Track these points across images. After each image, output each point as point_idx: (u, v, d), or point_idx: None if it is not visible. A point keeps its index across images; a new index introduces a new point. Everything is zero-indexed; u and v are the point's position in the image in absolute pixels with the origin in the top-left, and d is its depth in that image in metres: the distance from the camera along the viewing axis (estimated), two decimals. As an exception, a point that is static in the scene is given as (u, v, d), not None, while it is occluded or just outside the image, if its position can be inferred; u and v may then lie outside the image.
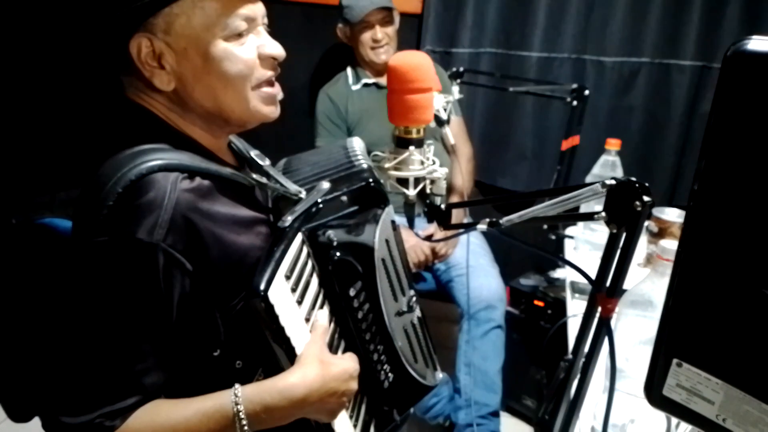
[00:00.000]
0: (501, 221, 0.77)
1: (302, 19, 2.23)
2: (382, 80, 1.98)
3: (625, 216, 0.57)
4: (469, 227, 0.85)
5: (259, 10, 0.77)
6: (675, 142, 2.06)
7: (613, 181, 0.58)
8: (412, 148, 0.91)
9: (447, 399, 1.83)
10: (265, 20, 0.80)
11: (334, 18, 1.99)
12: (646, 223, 1.45)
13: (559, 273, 1.93)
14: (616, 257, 0.60)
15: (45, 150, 2.34)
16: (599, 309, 0.61)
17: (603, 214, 0.59)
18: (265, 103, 0.80)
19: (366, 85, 1.98)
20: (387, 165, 0.91)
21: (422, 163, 0.92)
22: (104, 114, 0.81)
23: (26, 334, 0.79)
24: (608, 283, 0.60)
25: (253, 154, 0.91)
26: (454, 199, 1.98)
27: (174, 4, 0.70)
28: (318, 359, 0.73)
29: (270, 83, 0.80)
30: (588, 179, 1.47)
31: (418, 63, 0.88)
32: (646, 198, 0.56)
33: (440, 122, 1.58)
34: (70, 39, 2.25)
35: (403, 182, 0.92)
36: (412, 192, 0.93)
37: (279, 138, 2.30)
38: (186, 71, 0.74)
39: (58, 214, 0.87)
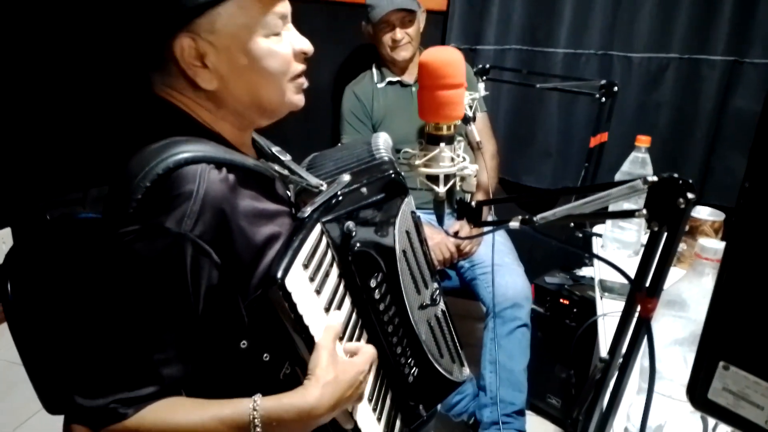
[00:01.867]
0: (535, 218, 0.76)
1: (328, 18, 2.23)
2: (406, 78, 1.98)
3: (667, 214, 0.56)
4: (500, 224, 0.85)
5: (289, 7, 0.79)
6: (704, 138, 2.01)
7: (655, 178, 0.57)
8: (442, 144, 0.90)
9: (471, 396, 1.82)
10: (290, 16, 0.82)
11: (359, 16, 1.99)
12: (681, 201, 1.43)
13: (585, 271, 1.90)
14: (657, 256, 0.59)
15: (77, 147, 2.38)
16: (638, 309, 0.60)
17: (644, 211, 0.58)
18: (297, 93, 0.83)
19: (390, 83, 1.98)
20: (417, 162, 0.91)
21: (452, 160, 0.92)
22: (132, 111, 0.82)
23: (62, 325, 0.80)
24: (648, 283, 0.59)
25: (275, 150, 0.92)
26: (479, 195, 1.97)
27: (220, 4, 0.71)
28: (333, 374, 0.73)
29: (301, 75, 0.83)
30: (617, 177, 1.44)
31: (450, 59, 0.87)
32: (690, 195, 0.55)
33: (465, 119, 1.57)
34: (99, 36, 2.28)
35: (433, 179, 0.92)
36: (442, 189, 0.92)
37: (305, 135, 2.32)
38: (228, 69, 0.75)
39: (90, 210, 0.88)
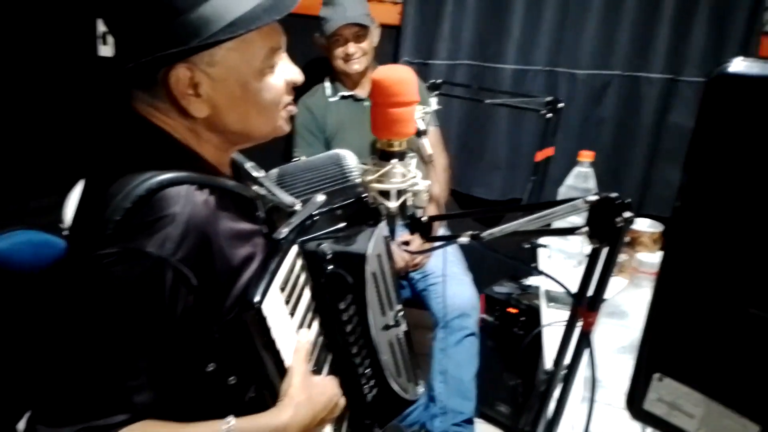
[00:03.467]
0: (482, 234, 0.78)
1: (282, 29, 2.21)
2: (359, 92, 1.99)
3: (606, 231, 0.59)
4: (450, 240, 0.87)
5: (284, 38, 0.81)
6: (645, 151, 2.12)
7: (595, 197, 0.60)
8: (394, 161, 0.92)
9: (422, 407, 1.84)
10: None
11: (312, 28, 1.98)
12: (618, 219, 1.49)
13: (532, 281, 1.96)
14: (597, 271, 0.61)
15: (17, 158, 2.26)
16: (580, 322, 0.63)
17: (585, 229, 0.61)
18: (286, 121, 0.84)
19: (343, 97, 1.98)
20: (369, 177, 0.92)
21: (404, 175, 0.93)
22: (107, 126, 0.80)
23: (30, 350, 0.78)
24: (589, 297, 0.62)
25: (248, 165, 0.92)
26: (431, 208, 2.00)
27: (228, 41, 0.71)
28: (306, 394, 0.74)
29: (290, 103, 0.84)
30: (561, 190, 1.50)
31: (402, 77, 0.89)
32: (627, 214, 0.58)
33: (418, 133, 1.59)
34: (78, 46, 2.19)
35: (385, 194, 0.93)
36: (394, 204, 0.93)
37: (257, 146, 2.29)
38: (222, 99, 0.75)
39: (29, 223, 0.85)
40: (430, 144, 1.87)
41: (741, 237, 0.46)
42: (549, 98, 1.52)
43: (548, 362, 1.02)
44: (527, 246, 1.69)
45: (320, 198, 0.85)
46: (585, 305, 0.61)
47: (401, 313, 1.04)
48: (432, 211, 1.98)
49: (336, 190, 0.90)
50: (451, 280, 1.83)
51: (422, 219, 0.95)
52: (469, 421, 1.77)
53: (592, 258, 0.61)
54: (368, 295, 0.90)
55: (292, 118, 0.88)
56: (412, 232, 0.95)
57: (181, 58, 0.70)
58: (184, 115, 0.75)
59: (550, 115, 1.52)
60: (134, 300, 0.65)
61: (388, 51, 2.23)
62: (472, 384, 1.78)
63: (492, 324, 1.92)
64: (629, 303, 0.89)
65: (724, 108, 0.45)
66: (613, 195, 0.59)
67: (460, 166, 2.26)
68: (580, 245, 1.52)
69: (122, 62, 0.73)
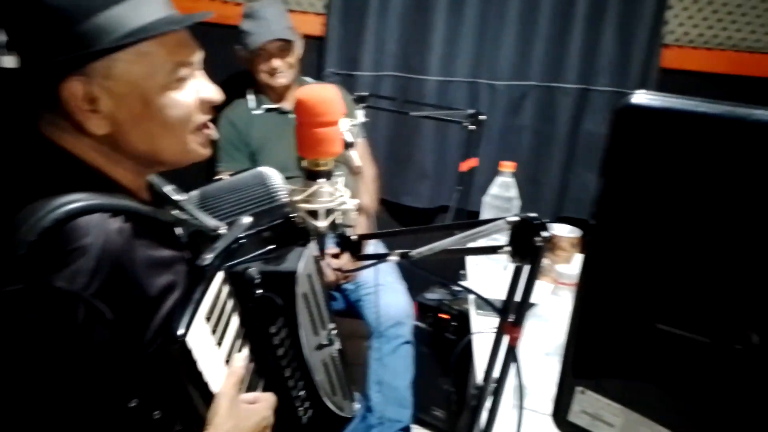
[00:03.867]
0: (411, 253, 0.79)
1: (199, 39, 2.15)
2: (285, 105, 1.96)
3: (527, 250, 0.62)
4: (380, 259, 0.87)
5: (199, 54, 0.76)
6: (562, 157, 2.22)
7: (515, 218, 0.62)
8: (322, 180, 0.91)
9: (360, 419, 1.84)
10: (202, 62, 0.79)
11: (233, 38, 1.94)
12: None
13: (459, 284, 2.00)
14: (520, 287, 0.64)
15: None
16: (506, 337, 0.65)
17: (508, 248, 0.63)
18: (201, 145, 0.80)
19: (268, 110, 1.95)
20: (297, 198, 0.91)
21: (332, 194, 0.93)
22: (8, 147, 0.74)
23: None
24: (513, 313, 0.64)
25: (168, 189, 0.88)
26: (360, 218, 2.01)
27: (118, 50, 0.67)
28: (233, 421, 0.71)
29: (207, 125, 0.80)
30: (486, 199, 1.55)
31: (326, 96, 0.89)
32: (544, 234, 0.61)
33: (346, 145, 1.59)
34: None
35: (314, 214, 0.93)
36: (323, 224, 0.93)
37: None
38: (123, 116, 0.71)
39: None
40: (359, 156, 1.88)
41: (647, 258, 0.49)
42: (471, 111, 1.57)
43: (479, 370, 1.05)
44: (456, 254, 1.73)
45: (246, 220, 0.83)
46: (510, 321, 0.64)
47: (334, 331, 1.03)
48: (362, 221, 1.99)
49: (262, 211, 0.88)
50: (384, 289, 1.85)
51: (352, 237, 0.95)
52: (406, 429, 1.79)
53: (515, 275, 0.63)
54: (300, 317, 0.88)
55: (214, 142, 0.86)
56: (342, 251, 0.95)
57: (71, 69, 0.67)
58: (86, 134, 0.72)
59: (472, 127, 1.57)
60: (44, 340, 0.61)
61: (313, 62, 2.22)
62: (408, 392, 1.80)
63: (425, 330, 1.95)
64: (552, 309, 0.93)
65: (628, 136, 0.48)
66: (532, 216, 0.62)
67: (388, 176, 2.28)
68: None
69: (20, 76, 0.69)
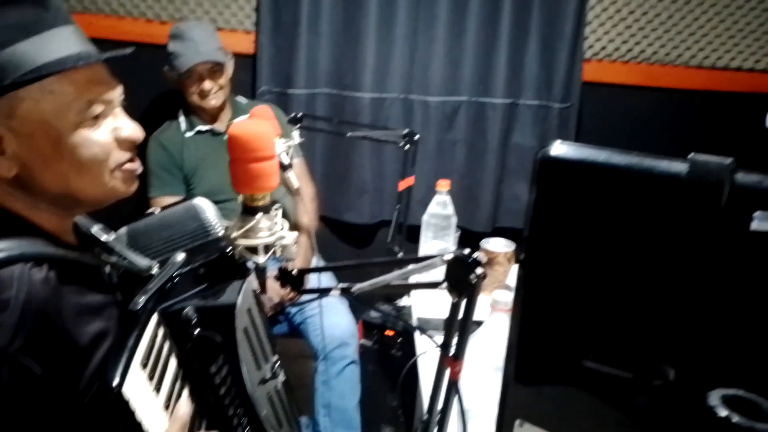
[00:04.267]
0: (353, 289, 0.80)
1: (126, 60, 2.07)
2: (218, 126, 1.93)
3: (462, 286, 0.64)
4: (322, 292, 0.87)
5: (116, 91, 0.73)
6: (494, 169, 2.29)
7: (450, 256, 0.64)
8: (259, 215, 0.90)
9: (309, 443, 1.82)
10: (122, 97, 0.76)
11: (162, 59, 1.89)
12: (475, 254, 1.61)
13: (405, 301, 2.03)
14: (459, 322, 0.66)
15: None
16: (448, 371, 0.67)
17: (445, 284, 0.65)
18: (124, 182, 0.76)
19: (200, 132, 1.91)
20: (234, 234, 0.90)
21: (271, 229, 0.92)
22: None
23: None
24: (454, 347, 0.66)
25: (95, 229, 0.84)
26: (301, 238, 2.00)
27: (20, 88, 0.64)
28: None
29: (130, 161, 0.77)
30: (424, 218, 1.58)
31: (260, 131, 0.88)
32: (478, 270, 0.63)
33: (283, 167, 1.58)
34: None
35: (252, 249, 0.91)
36: (262, 259, 0.92)
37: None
38: (32, 157, 0.68)
39: None
40: (296, 176, 1.87)
41: (573, 297, 0.52)
42: (405, 131, 1.59)
43: (425, 394, 1.07)
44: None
45: (179, 257, 0.81)
46: (451, 356, 0.65)
47: (278, 364, 1.02)
48: (304, 241, 1.98)
49: (197, 246, 0.86)
50: (327, 310, 1.84)
51: (292, 271, 0.95)
52: (356, 450, 1.79)
53: (453, 310, 0.65)
54: (241, 353, 0.87)
55: (142, 176, 0.83)
56: (283, 285, 0.95)
57: None
58: None
59: (407, 146, 1.60)
60: None
61: (246, 80, 2.19)
62: (356, 412, 1.80)
63: (371, 348, 1.96)
64: (493, 334, 0.96)
65: (549, 184, 0.51)
66: (466, 253, 0.64)
67: (328, 193, 2.28)
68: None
69: None
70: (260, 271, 1.00)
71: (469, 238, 2.25)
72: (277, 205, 0.95)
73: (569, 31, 2.12)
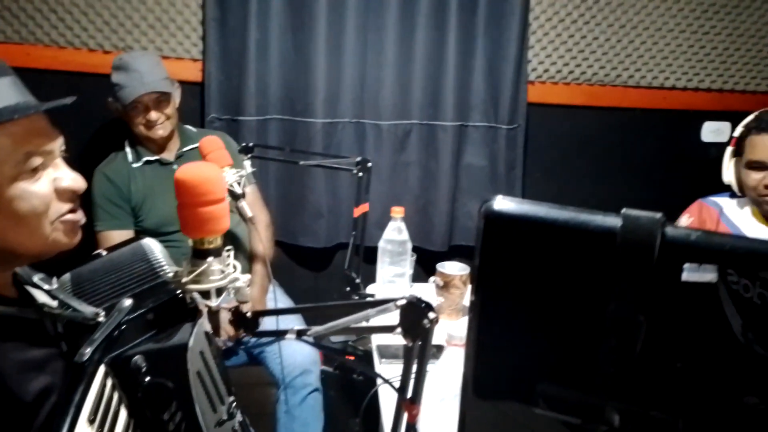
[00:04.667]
0: (308, 332, 0.80)
1: (69, 90, 2.00)
2: (166, 156, 1.89)
3: (417, 331, 0.65)
4: (278, 335, 0.87)
5: (56, 143, 0.71)
6: (447, 189, 2.33)
7: (403, 301, 0.65)
8: (210, 258, 0.89)
9: (272, 475, 1.79)
10: (63, 148, 0.74)
11: (106, 89, 1.84)
12: (432, 279, 1.63)
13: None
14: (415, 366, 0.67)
15: None
16: (406, 414, 0.67)
17: (399, 329, 0.66)
18: (65, 233, 0.75)
19: (148, 162, 1.86)
20: (185, 279, 0.88)
21: (223, 272, 0.91)
22: None
23: None
24: (411, 391, 0.67)
25: (37, 278, 0.81)
26: (257, 266, 1.97)
27: None
28: None
29: (71, 211, 0.75)
30: (380, 244, 1.59)
31: (208, 175, 0.87)
32: (431, 315, 0.64)
33: (235, 197, 1.57)
34: None
35: (204, 293, 0.90)
36: (214, 303, 0.91)
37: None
38: None
39: None
40: (250, 204, 1.86)
41: (520, 340, 0.54)
42: (358, 158, 1.60)
43: (386, 425, 1.07)
44: (356, 298, 1.75)
45: (127, 303, 0.78)
46: (408, 399, 0.66)
47: (234, 404, 1.00)
48: (259, 269, 1.95)
49: (145, 290, 0.84)
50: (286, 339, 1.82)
51: (247, 314, 0.93)
52: (319, 479, 1.77)
53: (407, 354, 0.66)
54: (195, 397, 0.85)
55: (88, 210, 0.81)
56: (237, 328, 0.94)
57: None
58: None
59: (361, 174, 1.61)
60: None
61: (194, 108, 2.16)
62: (319, 440, 1.78)
63: (333, 374, 1.95)
64: (447, 362, 0.97)
65: (492, 236, 0.53)
66: (417, 298, 0.65)
67: (283, 218, 2.27)
68: (404, 292, 1.62)
69: None
70: (213, 315, 0.99)
71: (426, 257, 2.28)
72: (228, 247, 0.94)
73: (513, 54, 2.19)
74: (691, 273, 0.45)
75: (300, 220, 2.30)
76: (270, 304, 1.90)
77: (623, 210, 0.47)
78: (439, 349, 1.20)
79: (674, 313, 0.47)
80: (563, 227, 0.49)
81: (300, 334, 0.81)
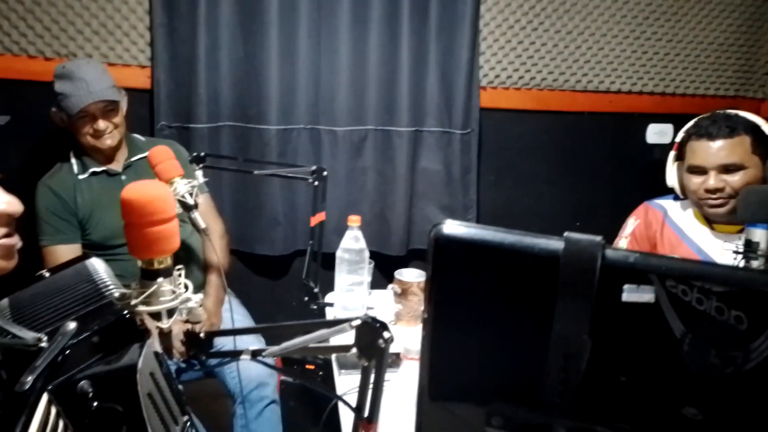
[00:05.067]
0: (263, 353, 0.79)
1: (10, 98, 1.93)
2: (114, 167, 1.83)
3: (372, 351, 0.65)
4: (232, 356, 0.85)
5: None
6: (403, 194, 2.34)
7: (358, 321, 0.65)
8: (160, 279, 0.87)
9: (231, 490, 1.76)
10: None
11: (48, 97, 1.76)
12: (390, 286, 1.64)
13: (323, 333, 2.02)
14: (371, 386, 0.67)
15: None
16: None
17: (354, 350, 0.66)
18: (1, 258, 0.73)
19: (94, 173, 1.80)
20: (134, 301, 0.86)
21: (174, 292, 0.89)
22: None
23: None
24: (368, 410, 0.67)
25: None
26: (212, 277, 1.93)
27: None
28: None
29: (6, 236, 0.72)
30: (338, 253, 1.58)
31: (156, 194, 0.84)
32: (386, 335, 0.64)
33: (187, 208, 1.54)
34: None
35: (155, 315, 0.88)
36: (166, 324, 0.88)
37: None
38: None
39: None
40: (203, 214, 1.82)
41: (471, 356, 0.55)
42: (314, 167, 1.59)
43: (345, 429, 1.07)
44: (315, 307, 1.74)
45: (71, 326, 0.76)
46: (365, 419, 0.66)
47: (189, 423, 0.98)
48: (214, 280, 1.92)
49: (90, 311, 0.81)
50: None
51: (200, 335, 0.92)
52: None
53: (364, 374, 0.66)
54: (147, 418, 0.83)
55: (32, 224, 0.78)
56: (188, 350, 0.92)
57: None
58: None
59: (317, 183, 1.60)
60: None
61: (143, 116, 2.11)
62: (278, 453, 1.76)
63: (293, 384, 1.93)
64: (403, 376, 0.98)
65: (442, 258, 0.54)
66: (373, 318, 0.65)
67: (238, 226, 2.23)
68: (362, 301, 1.62)
69: None
70: (164, 336, 0.96)
71: (385, 262, 2.29)
72: (179, 266, 0.92)
73: (465, 61, 2.23)
74: (630, 293, 0.47)
75: (256, 228, 2.27)
76: (226, 316, 1.86)
77: (565, 234, 0.49)
78: (399, 356, 1.21)
79: (617, 331, 0.49)
80: (509, 250, 0.50)
81: (255, 354, 0.80)
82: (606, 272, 0.47)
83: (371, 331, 0.64)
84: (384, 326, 0.64)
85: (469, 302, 0.54)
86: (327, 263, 1.82)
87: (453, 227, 0.52)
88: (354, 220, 1.55)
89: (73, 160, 1.81)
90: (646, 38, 2.40)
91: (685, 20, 2.41)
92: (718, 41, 2.46)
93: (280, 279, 2.42)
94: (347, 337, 0.68)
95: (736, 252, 1.26)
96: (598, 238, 0.48)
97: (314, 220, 1.66)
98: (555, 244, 0.49)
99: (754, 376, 0.45)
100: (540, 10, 2.29)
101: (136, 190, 0.84)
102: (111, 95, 1.72)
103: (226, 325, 1.87)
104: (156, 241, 0.85)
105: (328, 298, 1.75)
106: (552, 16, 2.30)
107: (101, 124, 1.72)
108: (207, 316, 1.81)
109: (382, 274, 2.11)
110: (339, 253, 1.57)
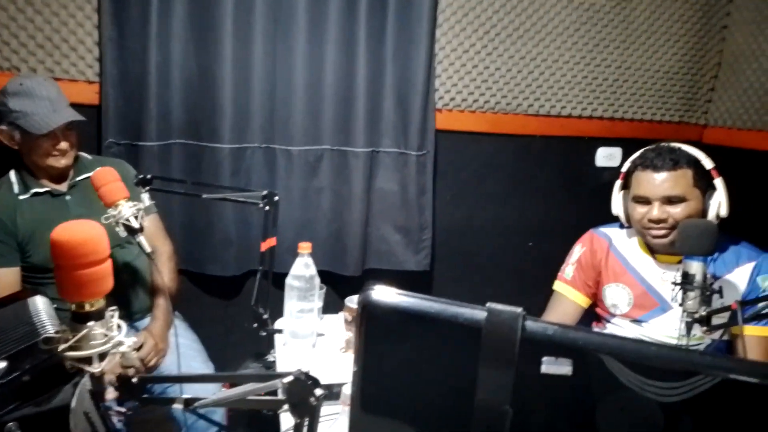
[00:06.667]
0: (196, 404, 0.77)
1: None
2: (59, 187, 1.77)
3: (304, 408, 0.64)
4: (165, 403, 0.83)
5: None
6: (360, 214, 2.34)
7: (290, 378, 0.64)
8: (91, 323, 0.84)
9: None
10: None
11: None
12: (340, 313, 1.63)
13: (275, 356, 1.99)
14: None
15: None
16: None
17: (286, 406, 0.65)
18: None
19: (37, 194, 1.73)
20: (63, 346, 0.82)
21: (106, 335, 0.86)
22: None
23: None
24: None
25: None
26: (159, 300, 1.88)
27: None
28: None
29: None
30: (288, 280, 1.56)
31: (88, 235, 0.82)
32: (318, 392, 0.63)
33: (132, 231, 1.49)
34: None
35: (87, 360, 0.84)
36: (98, 369, 0.85)
37: None
38: None
39: None
40: (150, 236, 1.77)
41: (396, 421, 0.54)
42: (265, 192, 1.57)
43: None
44: (264, 334, 1.71)
45: (1, 365, 0.73)
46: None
47: None
48: (162, 304, 1.86)
49: (22, 350, 0.78)
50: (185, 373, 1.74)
51: (133, 380, 0.89)
52: None
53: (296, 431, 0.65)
54: None
55: None
56: (122, 395, 0.88)
57: None
58: None
59: (267, 207, 1.58)
60: None
61: (90, 133, 2.04)
62: (226, 483, 1.72)
63: (242, 410, 1.89)
64: (344, 421, 0.97)
65: (370, 322, 0.53)
66: (304, 373, 0.64)
67: (189, 246, 2.18)
68: (312, 327, 1.61)
69: None
70: (97, 379, 0.93)
71: (341, 282, 2.27)
72: (112, 308, 0.89)
73: (421, 83, 2.24)
74: (549, 366, 0.48)
75: (207, 248, 2.22)
76: (172, 341, 1.81)
77: (488, 304, 0.49)
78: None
79: (538, 401, 0.50)
80: (434, 319, 0.50)
81: (188, 404, 0.78)
82: (526, 344, 0.48)
83: (303, 388, 0.63)
84: (316, 383, 0.63)
85: (396, 366, 0.54)
86: (280, 283, 1.79)
87: (381, 293, 0.52)
88: (304, 247, 1.53)
89: (14, 179, 1.74)
90: (596, 65, 2.48)
91: (633, 48, 2.49)
92: (663, 69, 2.55)
93: (232, 299, 2.37)
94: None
95: (674, 283, 1.30)
96: (519, 310, 0.48)
97: (265, 245, 1.64)
98: (478, 314, 0.49)
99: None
100: (494, 35, 2.33)
101: (68, 231, 0.81)
102: (75, 115, 1.68)
103: (173, 354, 1.82)
104: (88, 284, 0.82)
105: (278, 324, 1.73)
106: (506, 42, 2.35)
107: (63, 144, 1.69)
108: (154, 341, 1.75)
109: (338, 294, 2.09)
110: (288, 281, 1.56)
